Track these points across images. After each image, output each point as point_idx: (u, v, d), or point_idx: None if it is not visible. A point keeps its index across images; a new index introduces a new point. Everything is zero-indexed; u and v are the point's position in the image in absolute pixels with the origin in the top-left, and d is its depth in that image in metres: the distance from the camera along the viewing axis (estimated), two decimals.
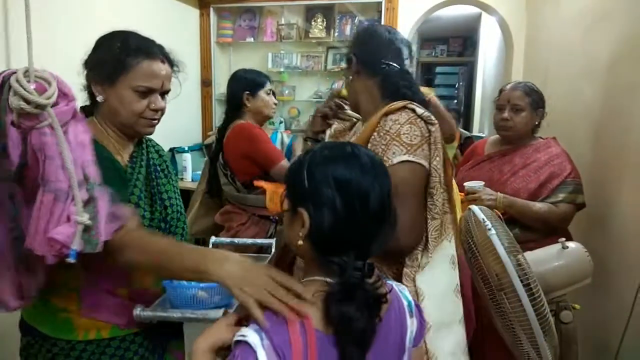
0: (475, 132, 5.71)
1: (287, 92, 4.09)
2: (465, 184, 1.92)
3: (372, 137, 1.28)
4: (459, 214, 1.90)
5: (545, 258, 1.52)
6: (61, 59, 2.29)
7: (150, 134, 1.33)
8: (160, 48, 1.27)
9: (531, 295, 1.33)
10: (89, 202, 1.03)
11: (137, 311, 1.16)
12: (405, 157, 1.21)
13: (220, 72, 4.18)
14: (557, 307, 1.50)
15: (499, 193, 1.90)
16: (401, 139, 1.22)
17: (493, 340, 1.83)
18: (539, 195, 1.93)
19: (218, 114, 4.14)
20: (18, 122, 0.97)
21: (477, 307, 1.96)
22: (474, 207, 1.49)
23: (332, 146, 0.91)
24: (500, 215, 1.54)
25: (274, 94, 2.53)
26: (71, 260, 0.99)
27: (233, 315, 0.88)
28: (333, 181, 0.82)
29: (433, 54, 7.08)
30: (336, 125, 1.57)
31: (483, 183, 1.92)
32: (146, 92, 1.23)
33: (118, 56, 1.20)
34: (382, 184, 0.86)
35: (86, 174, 1.04)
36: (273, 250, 1.53)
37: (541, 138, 2.10)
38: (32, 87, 0.97)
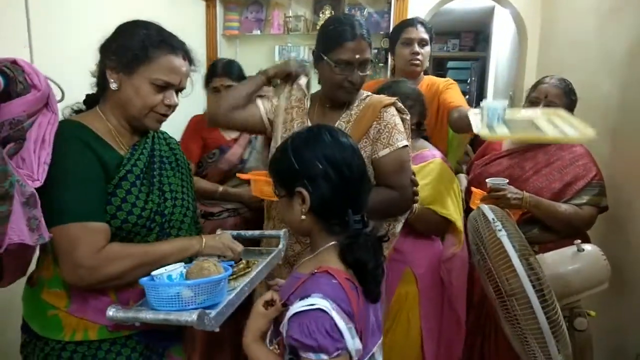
0: None
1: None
2: (488, 180, 1.82)
3: (373, 125, 1.55)
4: (459, 212, 1.82)
5: (559, 261, 1.43)
6: (62, 48, 2.25)
7: (156, 129, 1.30)
8: (183, 44, 1.26)
9: (544, 302, 1.24)
10: (2, 200, 0.95)
11: (111, 312, 1.07)
12: (405, 142, 1.56)
13: None
14: (570, 313, 1.42)
15: (524, 192, 1.79)
16: (398, 128, 1.56)
17: (504, 348, 1.75)
18: (563, 196, 1.83)
19: None
20: None
21: (486, 313, 1.88)
22: (484, 206, 1.40)
23: (305, 131, 1.10)
24: (511, 215, 1.45)
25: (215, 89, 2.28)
26: None
27: (259, 302, 1.01)
28: (322, 156, 1.01)
29: (445, 48, 6.95)
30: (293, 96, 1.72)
31: (507, 180, 1.82)
32: (163, 87, 1.21)
33: (141, 46, 1.18)
34: (355, 150, 1.07)
35: (5, 170, 0.96)
36: (281, 244, 1.44)
37: None
38: None
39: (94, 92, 1.29)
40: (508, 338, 1.50)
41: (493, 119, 1.65)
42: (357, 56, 1.50)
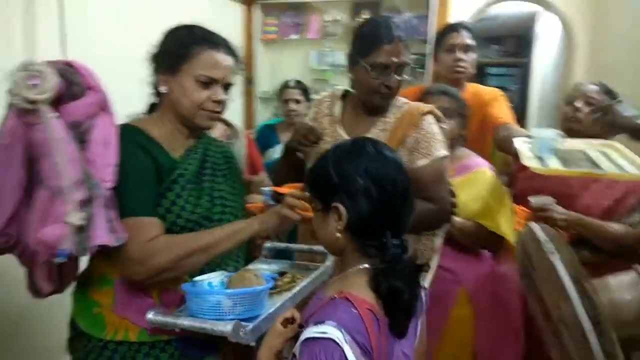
0: None
1: (325, 92, 3.96)
2: (531, 199, 1.69)
3: (411, 134, 1.48)
4: (511, 226, 1.72)
5: (616, 288, 1.32)
6: (97, 55, 2.26)
7: (209, 128, 1.31)
8: (225, 40, 1.28)
9: (600, 333, 1.14)
10: (88, 202, 1.00)
11: (150, 315, 1.10)
12: (445, 152, 1.51)
13: (263, 70, 4.09)
14: (629, 347, 1.30)
15: (571, 212, 1.66)
16: (437, 137, 1.50)
17: None
18: (613, 214, 1.70)
19: (260, 113, 4.06)
20: (20, 118, 0.97)
21: (530, 337, 1.77)
22: (534, 225, 1.30)
23: (349, 143, 1.03)
24: (564, 235, 1.34)
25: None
26: (60, 260, 0.99)
27: (279, 319, 0.94)
28: (363, 171, 0.93)
29: (486, 54, 6.77)
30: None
31: (552, 199, 1.68)
32: (208, 83, 1.22)
33: (182, 45, 1.22)
34: (400, 167, 0.98)
35: (87, 173, 1.01)
36: (329, 260, 1.35)
37: None
38: (32, 82, 0.95)
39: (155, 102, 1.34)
40: None
41: (543, 149, 1.55)
42: (394, 59, 1.43)
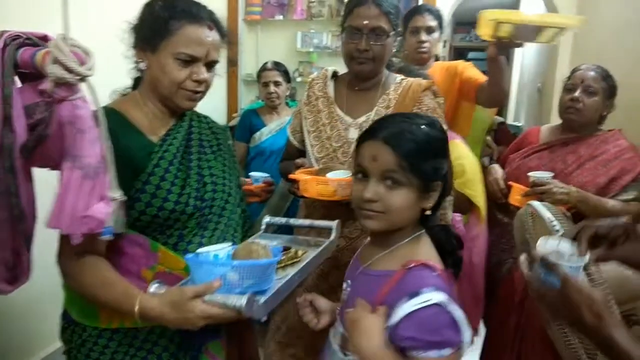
0: (510, 121, 5.45)
1: (315, 73, 3.90)
2: (531, 174, 1.73)
3: (413, 110, 1.46)
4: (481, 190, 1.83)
5: (615, 265, 1.33)
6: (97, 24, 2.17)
7: (190, 108, 1.21)
8: (209, 13, 1.17)
9: None
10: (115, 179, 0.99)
11: (153, 289, 1.02)
12: (445, 127, 1.49)
13: (247, 51, 4.01)
14: (627, 321, 1.32)
15: (571, 186, 1.69)
16: (438, 112, 1.49)
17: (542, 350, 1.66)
18: (608, 191, 1.73)
19: (244, 95, 3.99)
20: (52, 92, 0.91)
21: (526, 315, 1.79)
22: (536, 203, 1.31)
23: (428, 122, 1.01)
24: (567, 213, 1.35)
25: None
26: (107, 237, 0.97)
27: (359, 309, 0.93)
28: (448, 150, 1.02)
29: (467, 38, 6.79)
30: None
31: (552, 174, 1.73)
32: (189, 61, 1.12)
33: (161, 19, 1.11)
34: None
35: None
36: (333, 234, 1.28)
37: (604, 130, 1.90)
38: (76, 57, 0.91)
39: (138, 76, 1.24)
40: (550, 342, 1.41)
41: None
42: (366, 22, 1.39)
